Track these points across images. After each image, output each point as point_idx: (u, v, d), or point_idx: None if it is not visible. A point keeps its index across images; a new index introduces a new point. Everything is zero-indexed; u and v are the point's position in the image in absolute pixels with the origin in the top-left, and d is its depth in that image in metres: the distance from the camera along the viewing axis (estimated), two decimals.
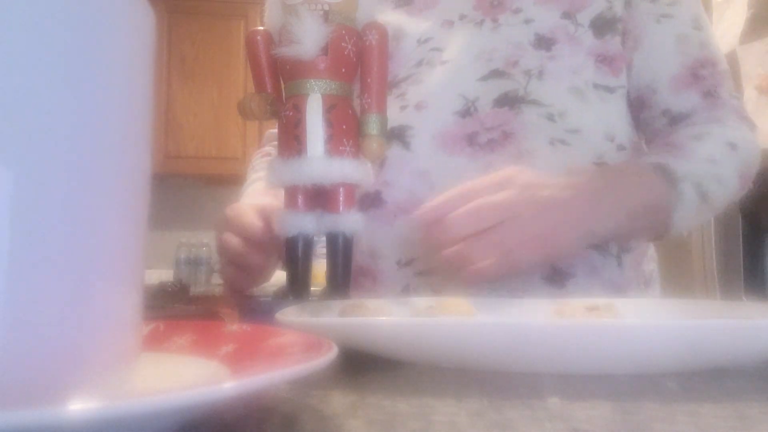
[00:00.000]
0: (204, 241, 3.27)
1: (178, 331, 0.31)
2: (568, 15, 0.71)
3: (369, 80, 0.55)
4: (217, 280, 3.19)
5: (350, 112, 0.55)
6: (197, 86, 3.19)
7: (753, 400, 0.27)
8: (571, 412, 0.25)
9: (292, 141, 0.54)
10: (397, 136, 0.70)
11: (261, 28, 0.57)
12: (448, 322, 0.34)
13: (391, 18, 0.77)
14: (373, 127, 0.55)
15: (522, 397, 0.27)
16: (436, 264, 0.56)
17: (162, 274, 3.03)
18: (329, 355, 0.22)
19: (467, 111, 0.68)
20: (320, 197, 0.55)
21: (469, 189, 0.54)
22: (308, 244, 0.55)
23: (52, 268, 0.19)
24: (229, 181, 3.05)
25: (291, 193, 0.55)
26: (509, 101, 0.68)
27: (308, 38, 0.52)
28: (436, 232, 0.54)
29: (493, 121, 0.68)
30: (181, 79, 3.19)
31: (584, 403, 0.26)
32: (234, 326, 0.31)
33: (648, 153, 0.67)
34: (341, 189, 0.54)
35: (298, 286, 0.55)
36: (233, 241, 0.64)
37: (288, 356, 0.25)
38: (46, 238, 0.19)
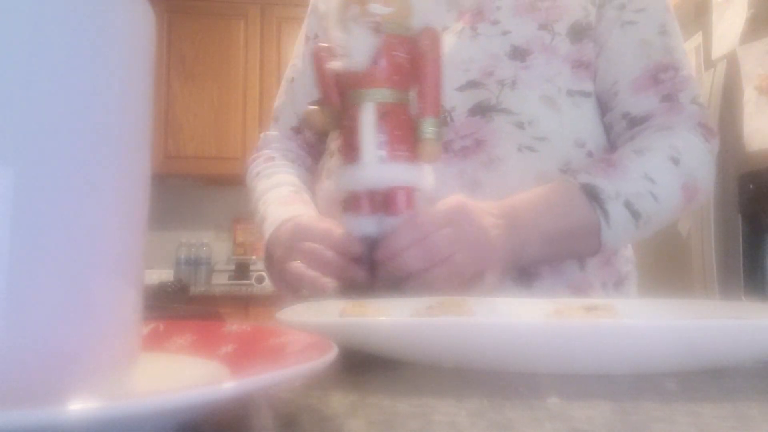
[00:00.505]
0: (204, 241, 3.28)
1: (178, 331, 0.31)
2: (544, 26, 0.73)
3: (423, 85, 0.57)
4: (217, 280, 3.20)
5: (405, 117, 0.57)
6: (197, 86, 3.19)
7: (753, 400, 0.27)
8: (571, 412, 0.25)
9: (350, 149, 0.57)
10: None
11: (323, 45, 0.61)
12: (448, 322, 0.34)
13: None
14: (428, 130, 0.57)
15: (522, 397, 0.27)
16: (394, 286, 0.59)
17: (162, 274, 3.03)
18: (329, 355, 0.22)
19: (444, 120, 0.69)
20: (381, 201, 0.57)
21: (420, 223, 0.58)
22: (370, 247, 0.58)
23: (52, 268, 0.19)
24: (229, 181, 3.06)
25: (352, 197, 0.58)
26: (482, 110, 0.70)
27: (357, 50, 0.55)
28: (391, 266, 0.58)
29: (467, 129, 0.69)
30: (181, 79, 3.19)
31: (584, 403, 0.26)
32: (234, 326, 0.31)
33: (584, 170, 0.68)
34: (399, 192, 0.57)
35: (360, 289, 0.56)
36: (327, 254, 0.62)
37: (288, 356, 0.25)
38: (46, 238, 0.19)
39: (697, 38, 2.16)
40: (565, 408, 0.25)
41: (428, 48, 0.56)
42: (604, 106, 0.75)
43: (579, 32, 0.73)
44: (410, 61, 0.57)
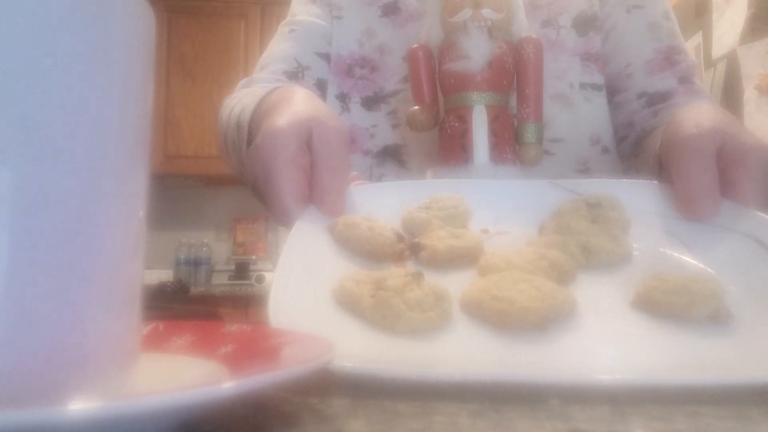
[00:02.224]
0: (204, 241, 3.28)
1: (177, 331, 0.31)
2: (548, 22, 0.73)
3: (527, 91, 0.59)
4: (217, 280, 3.20)
5: (510, 121, 0.59)
6: (197, 86, 3.19)
7: (753, 400, 0.27)
8: (571, 412, 0.25)
9: (458, 150, 0.58)
10: (392, 154, 0.72)
11: (419, 44, 0.61)
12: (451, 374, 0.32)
13: (377, 28, 0.78)
14: (531, 135, 0.59)
15: (522, 397, 0.27)
16: None
17: (162, 274, 3.03)
18: (329, 355, 0.22)
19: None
20: None
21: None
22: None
23: (51, 268, 0.19)
24: (229, 181, 3.06)
25: None
26: None
27: (476, 53, 0.57)
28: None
29: None
30: (180, 79, 3.19)
31: (584, 403, 0.26)
32: (234, 326, 0.31)
33: None
34: None
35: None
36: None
37: (288, 356, 0.25)
38: (46, 238, 0.19)
39: (697, 38, 2.16)
40: (565, 408, 0.25)
41: (532, 55, 0.58)
42: (614, 89, 0.75)
43: (585, 24, 0.74)
44: (514, 67, 0.59)
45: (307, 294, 0.38)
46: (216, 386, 0.17)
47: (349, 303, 0.37)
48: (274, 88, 0.59)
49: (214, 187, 3.33)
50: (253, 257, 3.23)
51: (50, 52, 0.19)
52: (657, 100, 0.73)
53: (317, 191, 0.47)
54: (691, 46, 2.12)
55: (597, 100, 0.73)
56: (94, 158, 0.20)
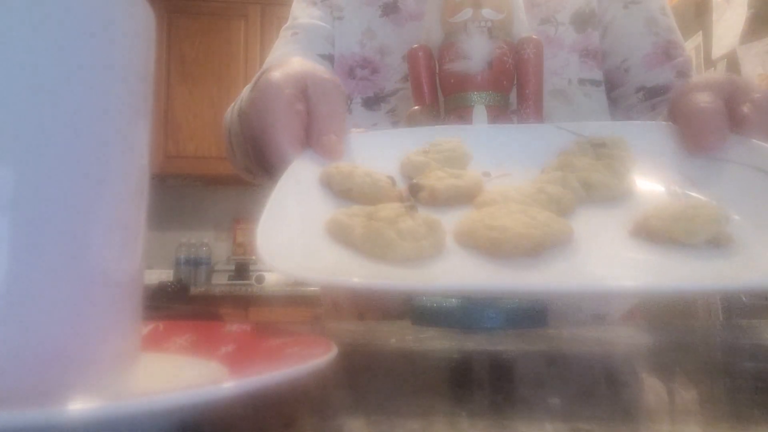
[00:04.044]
0: (204, 241, 3.28)
1: (177, 331, 0.31)
2: (547, 19, 0.74)
3: (527, 92, 0.59)
4: (217, 280, 3.20)
5: (510, 121, 0.59)
6: (197, 86, 3.19)
7: (753, 400, 0.27)
8: (571, 412, 0.25)
9: None
10: None
11: (419, 45, 0.61)
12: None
13: (377, 27, 0.78)
14: None
15: (522, 397, 0.27)
16: None
17: (162, 274, 3.03)
18: (329, 355, 0.22)
19: None
20: None
21: None
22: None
23: (51, 268, 0.19)
24: (229, 181, 3.06)
25: None
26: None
27: (476, 54, 0.57)
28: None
29: None
30: (180, 79, 3.19)
31: (584, 403, 0.26)
32: (234, 326, 0.31)
33: None
34: None
35: None
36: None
37: (288, 356, 0.25)
38: (46, 238, 0.19)
39: (697, 38, 2.16)
40: (565, 408, 0.25)
41: (533, 55, 0.58)
42: (612, 84, 0.75)
43: (583, 21, 0.74)
44: (514, 67, 0.59)
45: (298, 225, 0.37)
46: (216, 386, 0.17)
47: (340, 234, 0.36)
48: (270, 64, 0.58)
49: (214, 187, 3.33)
50: (253, 257, 3.23)
51: (50, 53, 0.19)
52: (655, 93, 0.73)
53: (315, 134, 0.46)
54: (691, 46, 2.12)
55: (596, 95, 0.73)
56: (95, 158, 0.20)
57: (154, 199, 0.24)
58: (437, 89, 0.61)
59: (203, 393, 0.17)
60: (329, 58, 0.78)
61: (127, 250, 0.22)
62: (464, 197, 0.42)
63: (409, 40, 0.66)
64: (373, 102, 0.75)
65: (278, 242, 0.33)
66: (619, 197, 0.42)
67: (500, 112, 0.58)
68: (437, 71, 0.61)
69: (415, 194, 0.43)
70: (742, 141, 0.44)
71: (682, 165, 0.45)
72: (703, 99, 0.47)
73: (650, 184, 0.44)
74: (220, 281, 3.18)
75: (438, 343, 0.43)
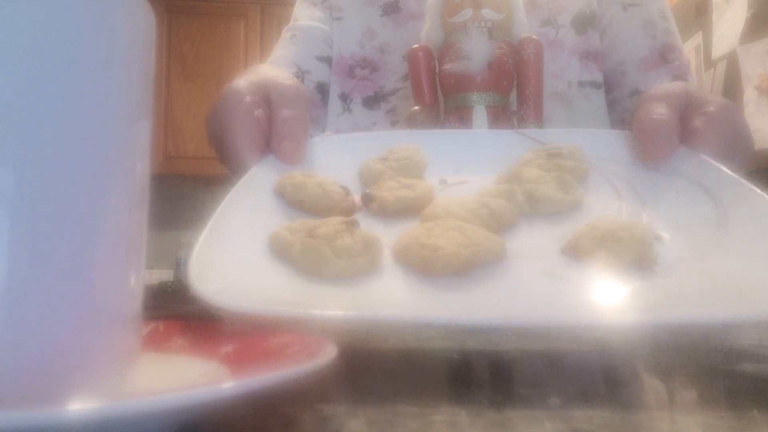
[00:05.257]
0: None
1: (178, 331, 0.31)
2: (547, 21, 0.74)
3: (527, 92, 0.59)
4: None
5: (510, 122, 0.59)
6: (197, 86, 3.19)
7: (753, 400, 0.27)
8: (571, 412, 0.25)
9: None
10: None
11: (419, 45, 0.61)
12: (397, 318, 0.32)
13: (377, 27, 0.78)
14: None
15: (522, 397, 0.27)
16: None
17: (162, 274, 3.03)
18: (329, 355, 0.22)
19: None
20: None
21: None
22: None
23: (51, 268, 0.19)
24: (228, 181, 3.05)
25: None
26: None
27: (476, 54, 0.57)
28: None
29: None
30: (180, 79, 3.19)
31: (584, 403, 0.26)
32: (234, 326, 0.31)
33: None
34: None
35: None
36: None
37: (288, 356, 0.25)
38: (46, 239, 0.19)
39: (697, 38, 2.16)
40: (565, 408, 0.25)
41: (533, 56, 0.58)
42: (609, 86, 0.75)
43: (584, 23, 0.74)
44: (514, 67, 0.59)
45: (241, 241, 0.37)
46: (216, 386, 0.17)
47: (281, 250, 0.37)
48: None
49: (214, 187, 3.31)
50: None
51: (50, 52, 0.19)
52: None
53: (275, 139, 0.47)
54: (691, 46, 2.12)
55: (596, 98, 0.73)
56: (95, 158, 0.20)
57: (154, 199, 0.24)
58: (437, 90, 0.61)
59: (203, 393, 0.17)
60: (327, 60, 0.78)
61: (128, 251, 0.22)
62: (413, 209, 0.43)
63: (410, 40, 0.67)
64: (373, 101, 0.75)
65: (213, 263, 0.34)
66: (566, 211, 0.43)
67: (500, 113, 0.58)
68: (437, 71, 0.61)
69: (367, 204, 0.44)
70: (691, 155, 0.45)
71: (633, 177, 0.46)
72: (656, 110, 0.47)
73: (598, 198, 0.45)
74: None
75: (438, 343, 0.43)
